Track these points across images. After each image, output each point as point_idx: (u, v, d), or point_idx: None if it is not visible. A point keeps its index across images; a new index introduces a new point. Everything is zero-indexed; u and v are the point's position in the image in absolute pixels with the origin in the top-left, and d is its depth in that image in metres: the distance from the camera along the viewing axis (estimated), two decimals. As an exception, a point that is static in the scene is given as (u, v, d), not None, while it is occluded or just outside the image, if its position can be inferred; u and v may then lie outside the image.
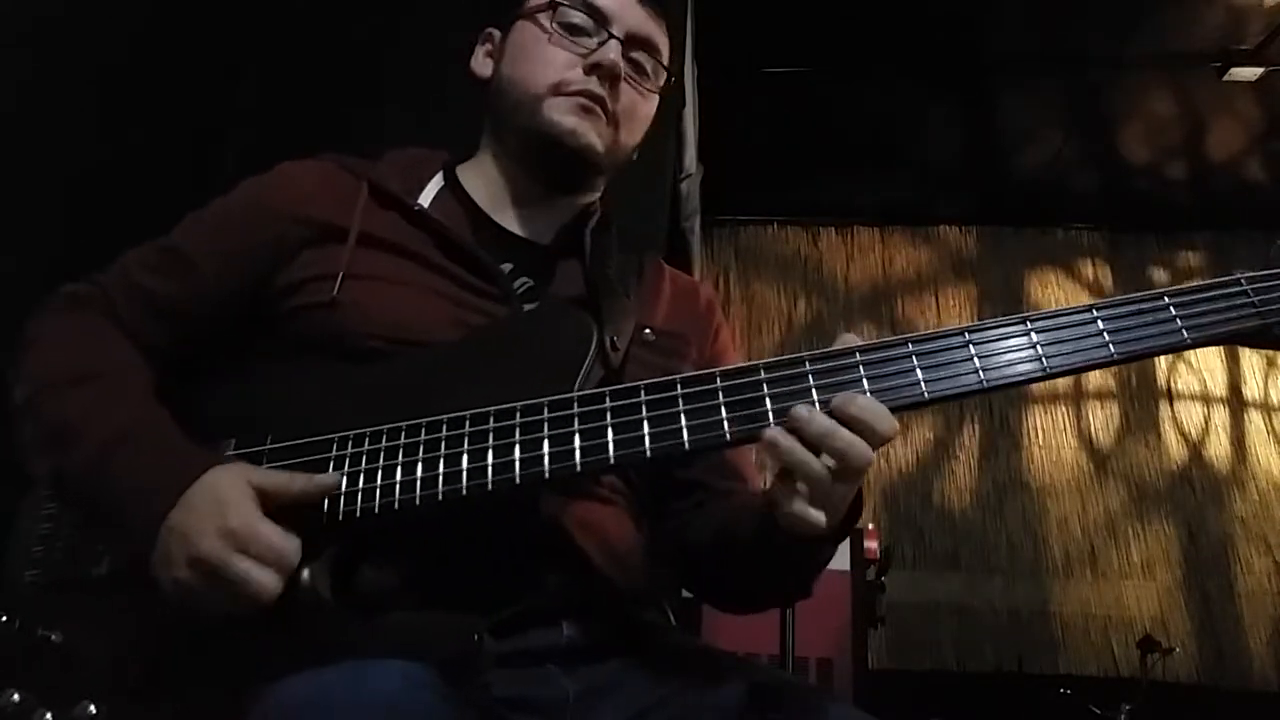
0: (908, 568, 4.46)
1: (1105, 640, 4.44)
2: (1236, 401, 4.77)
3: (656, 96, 1.14)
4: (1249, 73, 3.86)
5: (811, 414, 0.78)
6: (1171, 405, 4.78)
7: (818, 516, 0.80)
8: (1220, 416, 4.75)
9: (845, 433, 0.78)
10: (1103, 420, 4.77)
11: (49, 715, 0.85)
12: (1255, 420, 4.74)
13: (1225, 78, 3.89)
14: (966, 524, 4.62)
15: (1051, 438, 4.75)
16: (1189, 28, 3.69)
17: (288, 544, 0.81)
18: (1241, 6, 3.58)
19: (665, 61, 1.14)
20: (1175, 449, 4.71)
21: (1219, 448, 4.70)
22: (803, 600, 1.01)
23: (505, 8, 1.16)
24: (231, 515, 0.80)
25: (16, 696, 0.86)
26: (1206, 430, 4.74)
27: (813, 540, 0.84)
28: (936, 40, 3.86)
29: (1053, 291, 5.03)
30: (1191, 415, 4.77)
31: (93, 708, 0.84)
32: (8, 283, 1.54)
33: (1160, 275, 5.04)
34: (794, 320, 5.03)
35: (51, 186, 1.71)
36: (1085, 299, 5.14)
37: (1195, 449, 4.71)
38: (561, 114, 1.05)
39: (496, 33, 1.17)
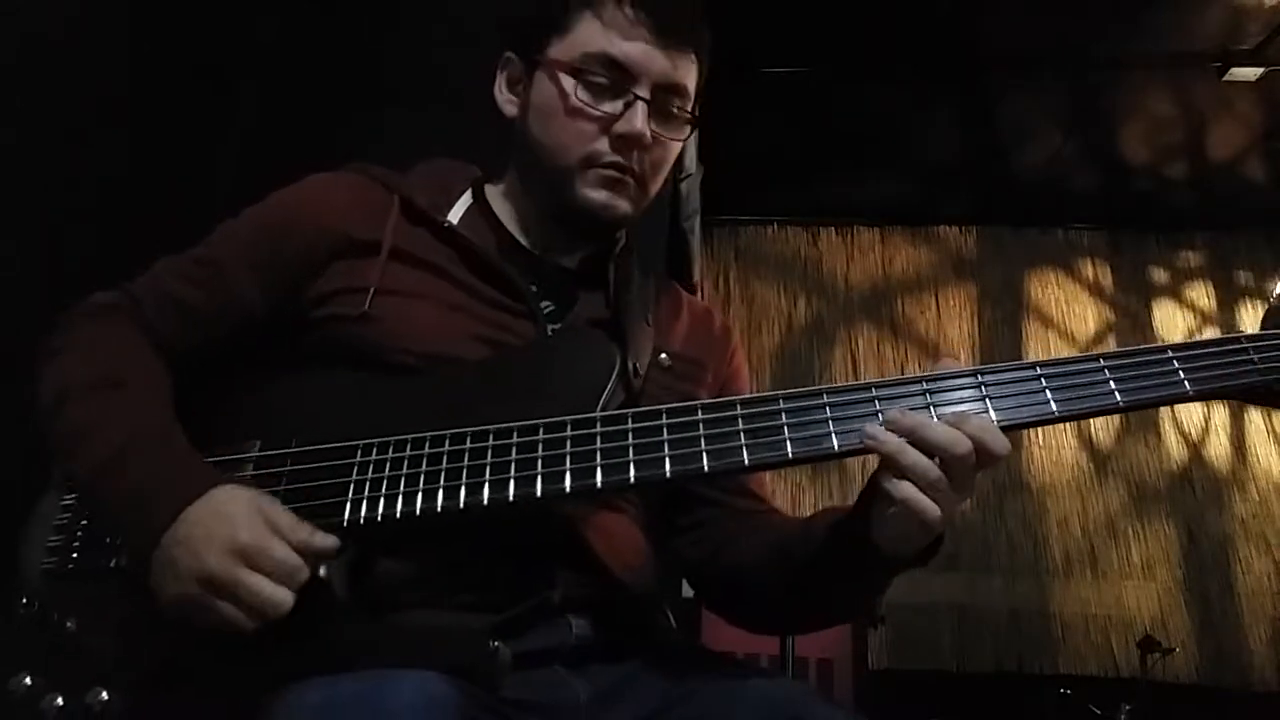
0: (908, 568, 4.46)
1: (1105, 640, 4.44)
2: (1236, 402, 4.76)
3: (686, 136, 1.12)
4: (1249, 73, 3.86)
5: (900, 415, 0.82)
6: (1171, 405, 4.78)
7: (934, 510, 0.81)
8: (1220, 416, 4.75)
9: (937, 427, 0.81)
10: (1103, 420, 4.76)
11: (59, 700, 0.86)
12: (1255, 420, 4.74)
13: (1225, 78, 3.89)
14: (966, 524, 4.62)
15: (1051, 438, 4.76)
16: (1189, 28, 3.69)
17: (298, 560, 0.81)
18: (1241, 6, 3.58)
19: (693, 96, 1.11)
20: (1175, 449, 4.71)
21: (1219, 448, 4.70)
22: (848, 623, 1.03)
23: (510, 20, 1.14)
24: (241, 532, 0.81)
25: (28, 680, 0.87)
26: (1206, 430, 4.74)
27: (905, 559, 0.86)
28: (937, 40, 3.86)
29: (1053, 291, 5.04)
30: (1191, 415, 4.77)
31: (104, 694, 0.85)
32: (8, 286, 1.54)
33: (1160, 275, 5.05)
34: (794, 320, 5.03)
35: (53, 189, 1.71)
36: (1085, 299, 5.14)
37: (1195, 449, 4.71)
38: (593, 189, 1.05)
39: (518, 62, 1.13)
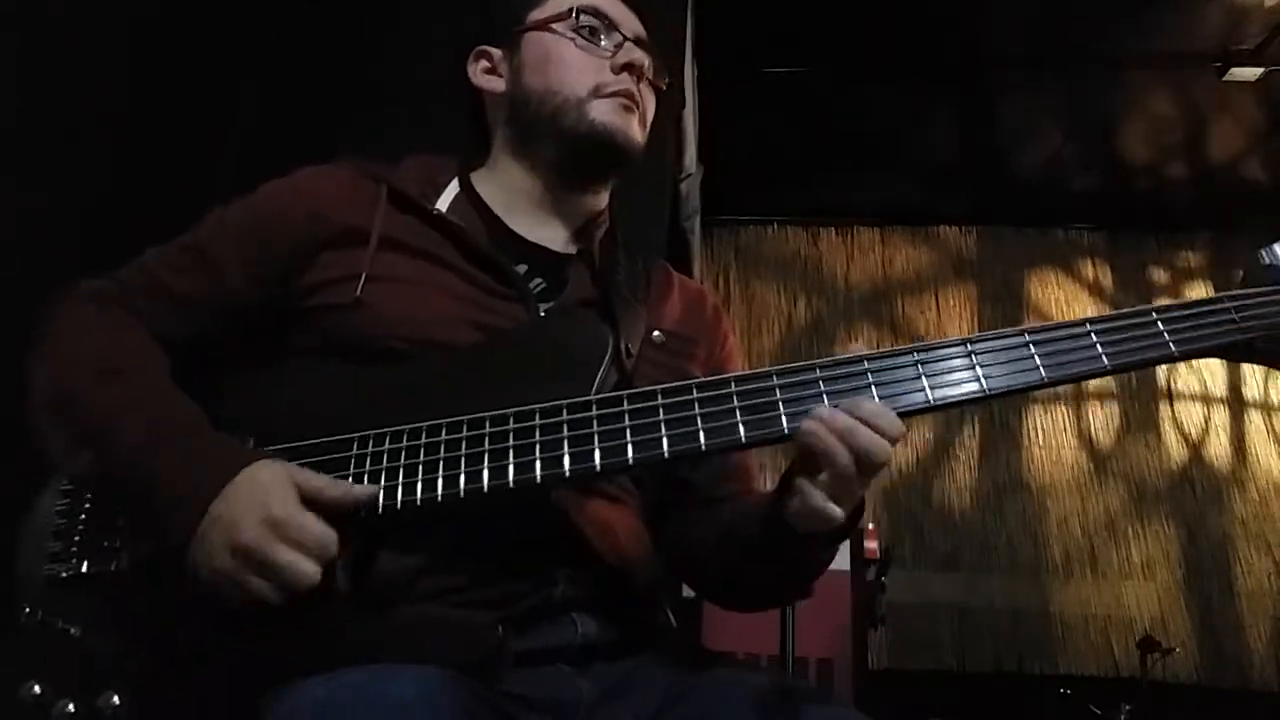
0: (908, 568, 4.46)
1: (1105, 640, 4.44)
2: (1236, 401, 4.77)
3: (664, 88, 1.21)
4: (1249, 73, 3.87)
5: (835, 412, 0.83)
6: (1171, 405, 4.78)
7: (835, 510, 0.84)
8: (1220, 416, 4.76)
9: (865, 430, 0.83)
10: (1103, 420, 4.77)
11: (70, 706, 0.86)
12: (1255, 420, 4.74)
13: (1225, 78, 3.89)
14: (966, 524, 4.62)
15: (1051, 438, 4.76)
16: (1189, 28, 3.69)
17: (329, 534, 0.83)
18: (1241, 6, 3.58)
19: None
20: (1175, 449, 4.71)
21: (1219, 448, 4.70)
22: (802, 600, 1.04)
23: (499, 17, 1.19)
24: (275, 505, 0.82)
25: (37, 688, 0.87)
26: (1206, 430, 4.74)
27: (821, 537, 0.88)
28: (936, 40, 3.86)
29: (1053, 291, 5.04)
30: (1191, 415, 4.77)
31: (115, 698, 0.85)
32: (9, 284, 1.54)
33: (1160, 275, 5.05)
34: (794, 320, 5.03)
35: (52, 187, 1.71)
36: (1085, 299, 5.14)
37: (1195, 449, 4.71)
38: (608, 115, 1.11)
39: (495, 50, 1.19)
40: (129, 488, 0.89)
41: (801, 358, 5.15)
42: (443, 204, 1.11)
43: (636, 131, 1.13)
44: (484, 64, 1.20)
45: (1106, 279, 5.06)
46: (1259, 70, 3.85)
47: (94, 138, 1.79)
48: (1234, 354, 0.89)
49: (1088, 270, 5.07)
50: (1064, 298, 5.02)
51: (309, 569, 0.81)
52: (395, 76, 2.14)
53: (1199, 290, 5.00)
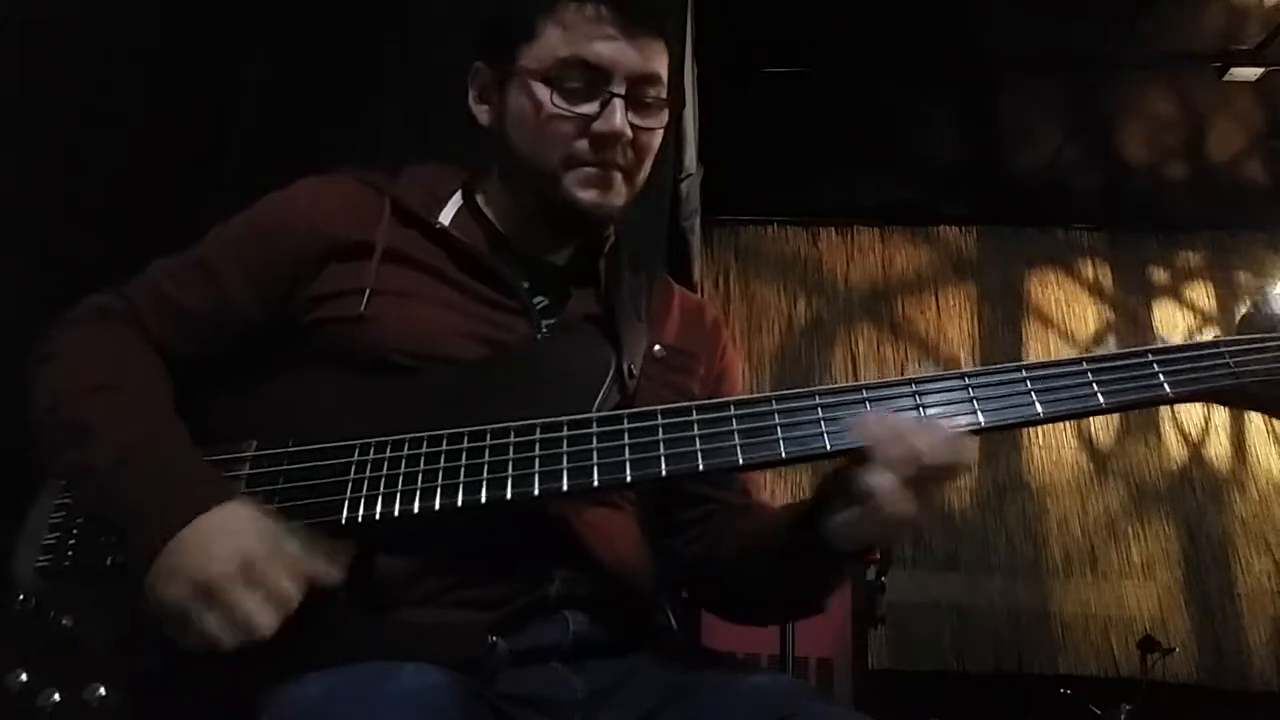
0: (908, 568, 4.46)
1: (1105, 640, 4.44)
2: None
3: (665, 123, 1.11)
4: (1249, 73, 3.87)
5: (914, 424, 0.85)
6: (1171, 405, 4.77)
7: (904, 511, 0.84)
8: (1220, 416, 4.75)
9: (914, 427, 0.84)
10: (1103, 420, 4.76)
11: (56, 696, 0.86)
12: (1255, 420, 4.74)
13: (1225, 78, 3.89)
14: (966, 524, 4.62)
15: (1051, 438, 4.76)
16: (1189, 28, 3.69)
17: (294, 589, 0.82)
18: (1241, 6, 3.58)
19: (666, 82, 1.10)
20: (1175, 449, 4.71)
21: (1219, 448, 4.71)
22: (814, 615, 1.05)
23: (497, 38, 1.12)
24: (250, 547, 0.81)
25: (24, 677, 0.87)
26: (1206, 430, 4.74)
27: (851, 555, 0.91)
28: (936, 40, 3.86)
29: (1052, 291, 5.04)
30: (1191, 415, 4.77)
31: (102, 690, 0.85)
32: (7, 287, 1.54)
33: (1160, 275, 5.05)
34: (794, 320, 5.03)
35: (53, 189, 1.71)
36: (1085, 299, 5.13)
37: (1195, 449, 4.71)
38: (580, 189, 1.05)
39: (486, 70, 1.12)
40: (100, 498, 0.89)
41: (801, 358, 5.12)
42: (445, 217, 1.10)
43: (614, 199, 1.07)
44: (480, 86, 1.13)
45: (1106, 279, 5.05)
46: (1259, 70, 3.85)
47: (94, 140, 1.79)
48: (1228, 398, 0.91)
49: (1088, 270, 5.07)
50: (1064, 298, 5.02)
51: (265, 622, 0.79)
52: (395, 76, 2.14)
53: (1199, 290, 5.01)
